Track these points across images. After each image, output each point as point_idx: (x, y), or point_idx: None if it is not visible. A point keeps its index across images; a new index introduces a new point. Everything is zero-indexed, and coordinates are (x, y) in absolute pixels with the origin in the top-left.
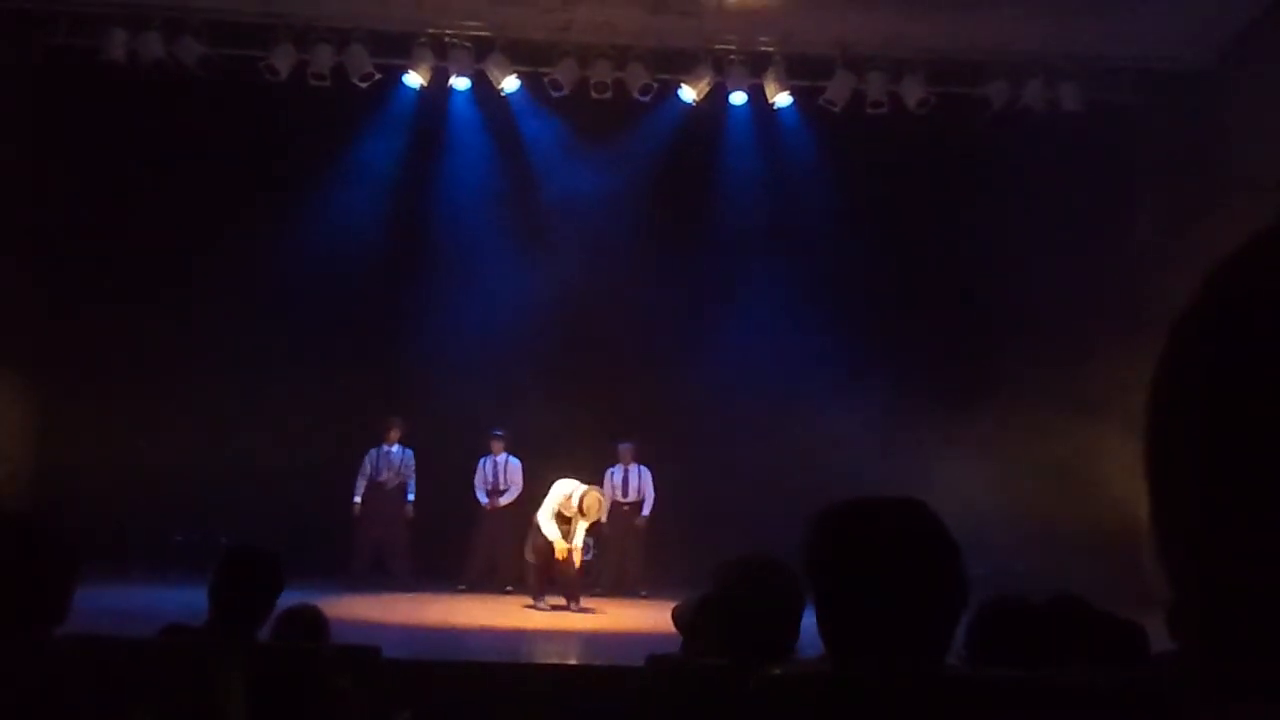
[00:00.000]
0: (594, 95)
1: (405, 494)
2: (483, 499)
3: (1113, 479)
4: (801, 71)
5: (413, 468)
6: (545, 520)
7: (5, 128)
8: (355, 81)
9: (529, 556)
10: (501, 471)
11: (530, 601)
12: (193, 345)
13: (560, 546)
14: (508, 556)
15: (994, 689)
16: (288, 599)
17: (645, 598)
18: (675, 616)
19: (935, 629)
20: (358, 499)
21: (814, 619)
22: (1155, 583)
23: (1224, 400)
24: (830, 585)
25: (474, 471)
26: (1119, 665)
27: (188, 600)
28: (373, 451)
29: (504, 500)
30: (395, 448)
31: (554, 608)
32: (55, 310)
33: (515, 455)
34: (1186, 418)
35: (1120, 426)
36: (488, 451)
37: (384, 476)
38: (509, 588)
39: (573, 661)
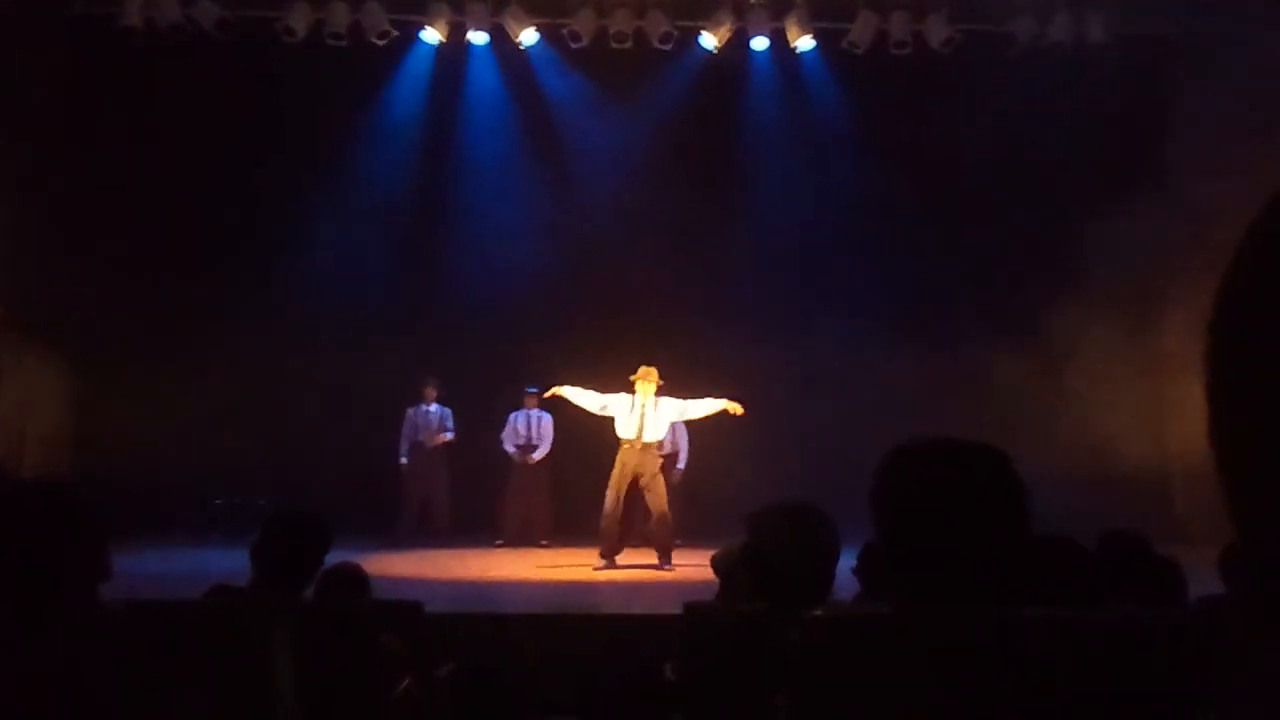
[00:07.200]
0: (614, 45)
1: (446, 452)
2: (510, 449)
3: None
4: (824, 14)
5: (452, 425)
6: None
7: (36, 103)
8: (373, 40)
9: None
10: (534, 426)
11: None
12: (225, 307)
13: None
14: (543, 510)
15: (1041, 627)
16: (327, 558)
17: (680, 546)
18: (714, 563)
19: (991, 574)
20: (404, 459)
21: (848, 564)
22: (1188, 521)
23: None
24: (891, 519)
25: (504, 426)
26: (1162, 603)
27: (228, 563)
28: (411, 411)
29: (535, 456)
30: (434, 406)
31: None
32: (90, 275)
33: (547, 411)
34: (1254, 353)
35: (1150, 372)
36: (519, 406)
37: (423, 436)
38: (544, 541)
39: (610, 611)
